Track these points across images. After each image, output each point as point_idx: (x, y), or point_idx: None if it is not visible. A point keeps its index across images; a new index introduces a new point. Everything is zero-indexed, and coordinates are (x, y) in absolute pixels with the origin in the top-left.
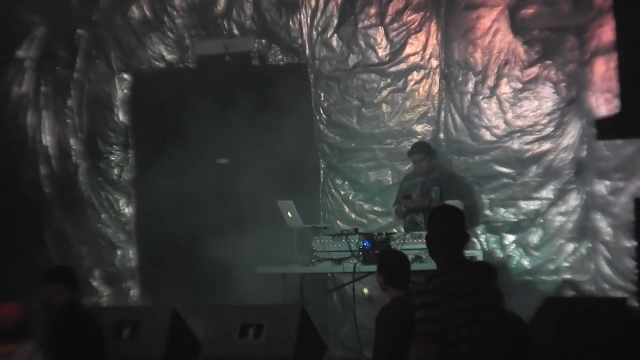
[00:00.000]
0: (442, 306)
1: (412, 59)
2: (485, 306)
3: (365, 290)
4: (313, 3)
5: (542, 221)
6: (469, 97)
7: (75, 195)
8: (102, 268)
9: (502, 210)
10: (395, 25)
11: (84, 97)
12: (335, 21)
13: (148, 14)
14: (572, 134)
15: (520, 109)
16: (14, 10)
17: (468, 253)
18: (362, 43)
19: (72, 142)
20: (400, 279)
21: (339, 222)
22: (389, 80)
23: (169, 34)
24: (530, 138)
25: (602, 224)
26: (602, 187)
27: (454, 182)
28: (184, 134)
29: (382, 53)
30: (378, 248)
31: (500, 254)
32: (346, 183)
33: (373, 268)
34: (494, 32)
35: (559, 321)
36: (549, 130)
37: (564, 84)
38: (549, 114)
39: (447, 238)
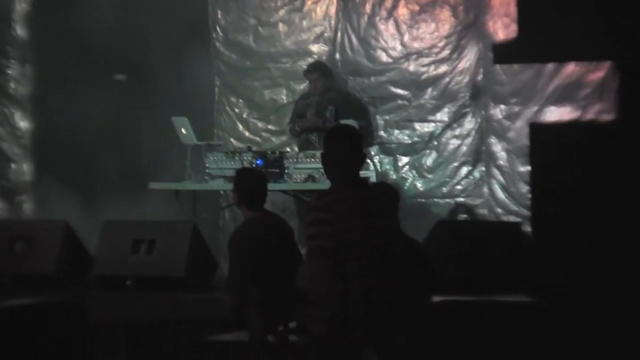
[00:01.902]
0: (333, 223)
1: None
2: (376, 226)
3: None
4: None
5: (436, 143)
6: (365, 18)
7: None
8: None
9: (397, 132)
10: None
11: None
12: None
13: None
14: (468, 57)
15: (417, 31)
16: None
17: (362, 174)
18: None
19: None
20: (255, 198)
21: (232, 140)
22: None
23: None
24: (426, 60)
25: (497, 147)
26: (497, 111)
27: (349, 102)
28: (81, 49)
29: None
30: (271, 166)
31: (393, 176)
32: (240, 101)
33: None
34: None
35: (451, 244)
36: (446, 53)
37: (461, 7)
38: (446, 37)
39: (341, 157)
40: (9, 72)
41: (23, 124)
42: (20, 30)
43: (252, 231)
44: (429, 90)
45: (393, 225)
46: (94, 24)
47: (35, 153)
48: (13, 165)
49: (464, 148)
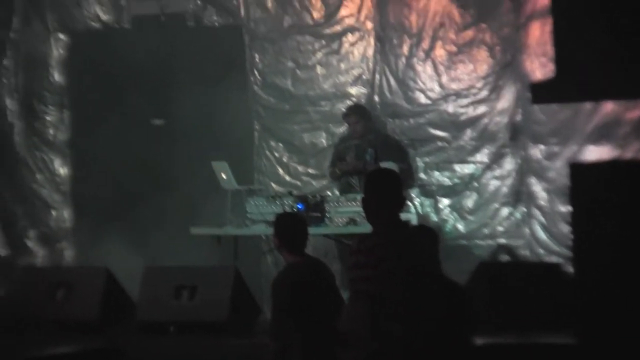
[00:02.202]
0: (374, 266)
1: (347, 21)
2: (417, 269)
3: None
4: None
5: (477, 185)
6: (403, 59)
7: (10, 155)
8: (37, 228)
9: (437, 174)
10: None
11: (19, 57)
12: None
13: None
14: (507, 98)
15: (455, 72)
16: None
17: (402, 216)
18: (297, 4)
19: (7, 101)
20: (296, 242)
21: (272, 184)
22: (324, 42)
23: None
24: (465, 101)
25: (537, 188)
26: (536, 151)
27: (388, 145)
28: (120, 95)
29: (316, 14)
30: (312, 210)
31: (434, 218)
32: (280, 145)
33: None
34: None
35: (492, 285)
36: (484, 93)
37: (499, 48)
38: (483, 77)
39: (382, 201)
40: (48, 118)
41: (62, 170)
42: (57, 76)
43: (294, 276)
44: (468, 131)
45: (434, 267)
46: (130, 68)
47: (75, 199)
48: (53, 212)
49: (504, 189)
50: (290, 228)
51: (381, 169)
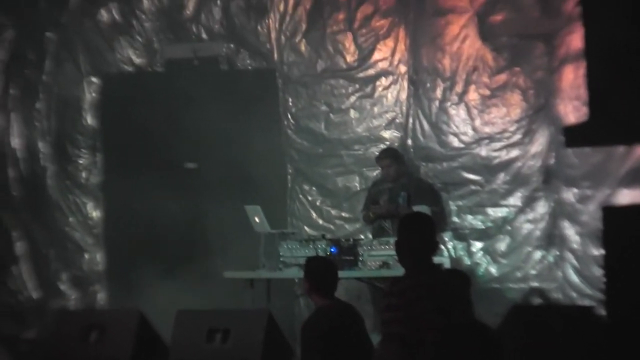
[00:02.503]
0: (405, 308)
1: (380, 65)
2: (448, 311)
3: None
4: (281, 7)
5: (510, 228)
6: (437, 103)
7: (43, 198)
8: (70, 271)
9: (470, 217)
10: (364, 30)
11: (52, 100)
12: (304, 26)
13: (117, 17)
14: (540, 141)
15: (489, 116)
16: None
17: (436, 260)
18: (330, 48)
19: (40, 144)
20: (325, 286)
21: (306, 228)
22: (357, 86)
23: (138, 37)
24: (498, 145)
25: (570, 231)
26: (570, 195)
27: (421, 188)
28: (152, 138)
29: (350, 58)
30: (345, 254)
31: (467, 261)
32: (313, 188)
33: (340, 274)
34: (463, 38)
35: (525, 329)
36: (517, 137)
37: (532, 91)
38: (517, 121)
39: (415, 245)
40: (80, 161)
41: (95, 213)
42: (90, 119)
43: (324, 320)
44: (501, 175)
45: (466, 310)
46: (163, 112)
47: (107, 242)
48: (86, 255)
49: (537, 232)
50: (321, 272)
51: (414, 213)
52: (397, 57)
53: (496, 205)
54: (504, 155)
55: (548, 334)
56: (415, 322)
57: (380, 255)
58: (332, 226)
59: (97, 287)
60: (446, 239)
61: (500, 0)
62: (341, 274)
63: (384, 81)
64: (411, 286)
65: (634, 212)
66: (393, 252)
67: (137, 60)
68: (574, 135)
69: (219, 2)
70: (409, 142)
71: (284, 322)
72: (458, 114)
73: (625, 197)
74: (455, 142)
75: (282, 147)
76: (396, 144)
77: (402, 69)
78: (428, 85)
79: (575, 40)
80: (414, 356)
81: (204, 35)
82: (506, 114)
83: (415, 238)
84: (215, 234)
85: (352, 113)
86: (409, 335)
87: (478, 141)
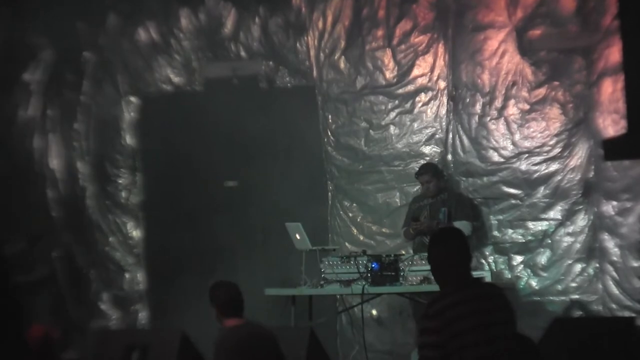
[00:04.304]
0: (442, 330)
1: (420, 81)
2: (492, 323)
3: (374, 312)
4: (320, 25)
5: (550, 241)
6: (476, 118)
7: (83, 218)
8: (111, 291)
9: (510, 231)
10: (403, 46)
11: (90, 120)
12: (343, 43)
13: (155, 36)
14: (579, 155)
15: (528, 130)
16: (21, 33)
17: (476, 274)
18: (370, 65)
19: (79, 165)
20: (230, 310)
21: (347, 244)
22: (397, 102)
23: (176, 56)
24: (537, 159)
25: (610, 244)
26: (609, 208)
27: (461, 204)
28: (192, 157)
29: (389, 75)
30: (386, 270)
31: (508, 275)
32: (354, 205)
33: (381, 289)
34: (501, 53)
35: (567, 341)
36: (557, 151)
37: (571, 105)
38: (556, 135)
39: (447, 261)
40: (120, 181)
41: (135, 232)
42: (129, 139)
43: (232, 337)
44: (541, 188)
45: (510, 321)
46: (202, 130)
47: (148, 261)
48: (127, 275)
49: (578, 245)
50: (224, 298)
51: (445, 229)
52: (436, 72)
53: (536, 219)
54: (544, 169)
55: (589, 346)
56: (455, 342)
57: (421, 271)
58: (372, 242)
59: (138, 306)
60: (487, 253)
61: (539, 14)
62: (383, 289)
63: (423, 97)
64: (448, 305)
65: None
66: None
67: (176, 80)
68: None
69: (257, 20)
70: (449, 157)
71: (326, 340)
72: (497, 129)
73: None
74: (495, 157)
75: (323, 164)
76: (436, 160)
77: (442, 84)
78: (467, 100)
79: (614, 53)
80: None
81: (243, 54)
82: (545, 128)
83: (453, 252)
84: (256, 252)
85: (392, 129)
86: (449, 356)
87: (518, 155)
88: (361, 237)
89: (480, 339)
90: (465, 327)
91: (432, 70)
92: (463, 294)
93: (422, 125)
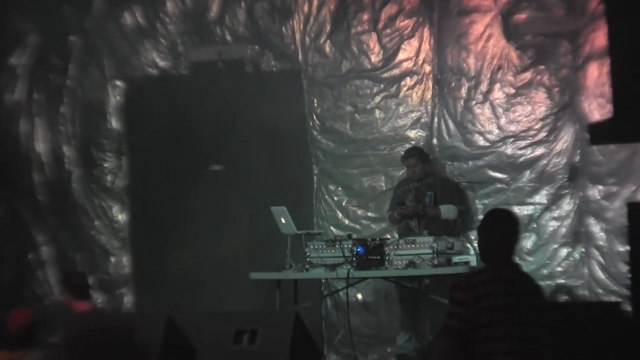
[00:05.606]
0: (471, 304)
1: (405, 65)
2: (522, 306)
3: (359, 296)
4: (305, 9)
5: (536, 226)
6: (462, 102)
7: (69, 202)
8: (96, 275)
9: None
10: (388, 30)
11: (76, 104)
12: (328, 27)
13: (140, 20)
14: (565, 139)
15: (513, 114)
16: (6, 17)
17: (461, 258)
18: (355, 49)
19: (64, 149)
20: (80, 294)
21: (332, 228)
22: (382, 86)
23: (162, 40)
24: (523, 143)
25: (595, 228)
26: (595, 192)
27: (447, 187)
28: (177, 141)
29: (374, 59)
30: (372, 254)
31: None
32: (339, 189)
33: (367, 274)
34: (487, 37)
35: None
36: (542, 135)
37: (557, 89)
38: (542, 119)
39: (506, 240)
40: (106, 165)
41: (121, 216)
42: (115, 123)
43: (83, 322)
44: (527, 173)
45: (541, 305)
46: (188, 114)
47: (133, 245)
48: (112, 259)
49: (563, 229)
50: (73, 283)
51: (504, 209)
52: (421, 56)
53: (522, 203)
54: (529, 154)
55: (575, 331)
56: (485, 317)
57: (406, 255)
58: (358, 226)
59: (123, 290)
60: (472, 237)
61: None
62: (368, 273)
63: (408, 81)
64: (482, 281)
65: None
66: (420, 251)
67: (162, 64)
68: (598, 133)
69: (243, 4)
70: (435, 141)
71: (311, 323)
72: (483, 113)
73: None
74: (480, 141)
75: (308, 148)
76: (421, 144)
77: (427, 68)
78: (453, 84)
79: (600, 38)
80: (482, 352)
81: (229, 38)
82: (531, 112)
83: (508, 233)
84: (241, 236)
85: (378, 113)
86: (476, 330)
87: (503, 139)
88: (346, 221)
89: (509, 319)
90: (496, 305)
91: (417, 54)
92: (500, 272)
93: (408, 109)
